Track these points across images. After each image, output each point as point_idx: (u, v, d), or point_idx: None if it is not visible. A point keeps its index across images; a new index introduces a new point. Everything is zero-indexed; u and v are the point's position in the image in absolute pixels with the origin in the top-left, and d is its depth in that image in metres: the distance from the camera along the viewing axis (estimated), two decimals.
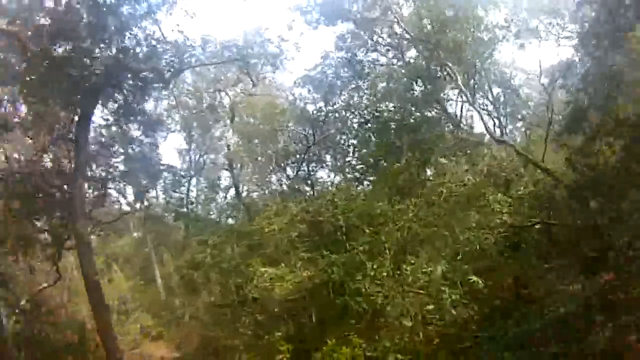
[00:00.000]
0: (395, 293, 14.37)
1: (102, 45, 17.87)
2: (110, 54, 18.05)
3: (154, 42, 19.09)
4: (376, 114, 25.44)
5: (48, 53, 15.94)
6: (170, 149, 48.18)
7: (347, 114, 27.91)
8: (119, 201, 29.18)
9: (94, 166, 21.12)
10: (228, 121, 33.73)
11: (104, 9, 17.02)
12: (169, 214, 40.67)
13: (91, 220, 21.16)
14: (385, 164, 23.06)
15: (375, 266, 15.20)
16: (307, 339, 17.47)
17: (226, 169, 37.34)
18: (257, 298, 18.20)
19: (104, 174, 22.28)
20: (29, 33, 16.12)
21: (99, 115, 20.61)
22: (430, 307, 14.50)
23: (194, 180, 39.82)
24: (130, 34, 18.38)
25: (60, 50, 17.00)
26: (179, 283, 31.69)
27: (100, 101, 19.16)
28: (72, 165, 18.77)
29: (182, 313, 29.88)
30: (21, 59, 16.40)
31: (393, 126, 24.25)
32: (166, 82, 20.38)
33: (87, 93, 17.80)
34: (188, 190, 39.02)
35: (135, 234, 40.99)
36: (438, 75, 23.62)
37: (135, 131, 22.31)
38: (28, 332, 19.75)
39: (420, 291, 14.72)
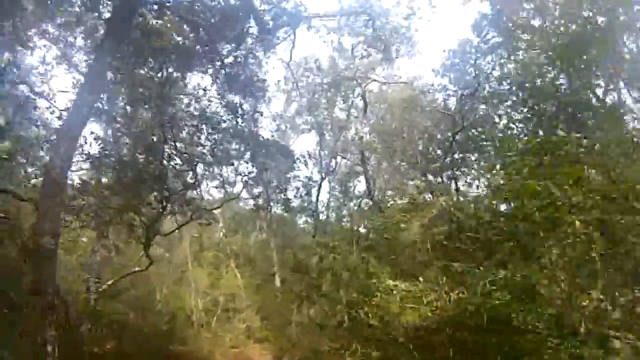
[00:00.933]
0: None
1: None
2: None
3: None
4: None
5: None
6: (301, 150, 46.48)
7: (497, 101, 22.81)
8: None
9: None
10: (360, 114, 30.92)
11: None
12: (298, 216, 39.30)
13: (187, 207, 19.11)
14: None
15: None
16: None
17: (358, 166, 34.34)
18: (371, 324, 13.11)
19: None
20: None
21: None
22: None
23: (325, 185, 37.39)
24: None
25: None
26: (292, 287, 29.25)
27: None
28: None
29: (292, 319, 26.93)
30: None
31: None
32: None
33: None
34: (319, 193, 36.92)
35: (260, 235, 39.69)
36: None
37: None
38: (114, 315, 18.14)
39: None
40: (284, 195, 27.02)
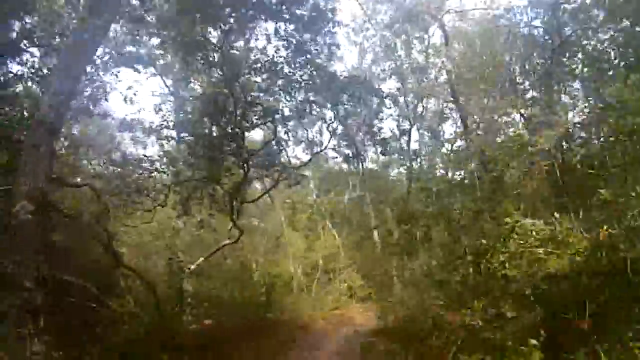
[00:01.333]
0: None
1: None
2: None
3: None
4: None
5: None
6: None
7: None
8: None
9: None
10: (441, 49, 28.19)
11: None
12: (390, 168, 37.76)
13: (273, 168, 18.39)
14: None
15: None
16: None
17: (447, 108, 31.83)
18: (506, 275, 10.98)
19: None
20: None
21: None
22: None
23: (413, 132, 35.19)
24: None
25: None
26: (395, 240, 28.13)
27: None
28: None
29: (396, 275, 25.87)
30: None
31: None
32: None
33: None
34: (409, 140, 34.89)
35: (353, 192, 38.71)
36: None
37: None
38: (210, 291, 18.21)
39: None
40: (379, 135, 24.38)
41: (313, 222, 31.51)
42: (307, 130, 26.41)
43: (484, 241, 12.65)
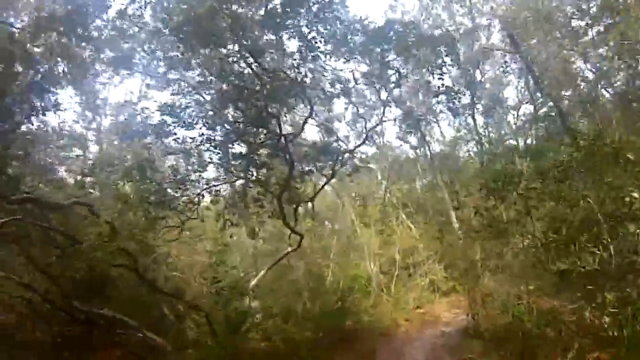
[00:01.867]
0: None
1: None
2: None
3: None
4: None
5: None
6: None
7: None
8: None
9: None
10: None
11: None
12: (457, 147, 35.01)
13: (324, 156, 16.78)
14: None
15: None
16: None
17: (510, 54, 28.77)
18: None
19: None
20: None
21: None
22: None
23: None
24: None
25: None
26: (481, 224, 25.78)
27: None
28: None
29: (484, 263, 23.50)
30: None
31: None
32: None
33: None
34: (473, 113, 32.04)
35: (424, 180, 36.40)
36: None
37: None
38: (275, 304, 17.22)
39: None
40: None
41: (385, 214, 29.65)
42: (364, 120, 24.60)
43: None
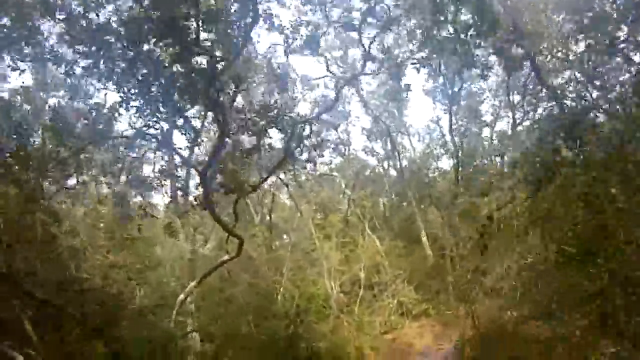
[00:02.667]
0: None
1: None
2: None
3: None
4: None
5: None
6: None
7: None
8: None
9: None
10: None
11: None
12: (427, 162, 32.38)
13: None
14: None
15: None
16: None
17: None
18: None
19: None
20: None
21: None
22: None
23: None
24: None
25: None
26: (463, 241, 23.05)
27: None
28: None
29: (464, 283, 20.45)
30: None
31: None
32: None
33: None
34: (451, 126, 29.58)
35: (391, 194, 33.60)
36: None
37: None
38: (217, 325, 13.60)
39: None
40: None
41: (349, 227, 26.45)
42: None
43: None
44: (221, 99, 10.12)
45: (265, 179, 14.36)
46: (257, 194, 26.82)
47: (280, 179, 28.38)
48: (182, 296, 11.94)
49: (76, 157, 10.29)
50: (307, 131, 12.74)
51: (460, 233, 25.09)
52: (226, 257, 12.91)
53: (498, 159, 29.55)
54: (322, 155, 14.49)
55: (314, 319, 17.44)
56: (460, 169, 29.43)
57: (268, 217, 25.50)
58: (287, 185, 28.50)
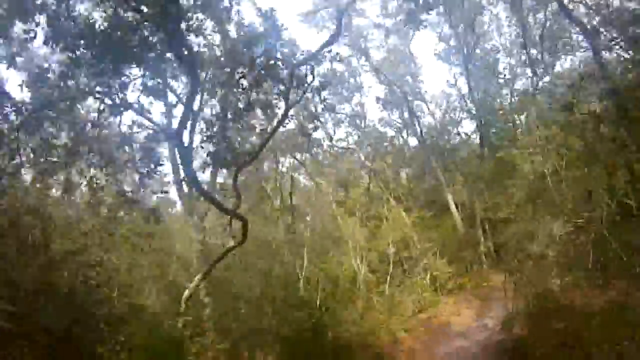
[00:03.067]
0: None
1: None
2: None
3: None
4: None
5: None
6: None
7: None
8: None
9: None
10: None
11: None
12: (447, 127, 30.41)
13: None
14: None
15: None
16: None
17: None
18: None
19: None
20: None
21: None
22: None
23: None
24: None
25: None
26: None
27: None
28: None
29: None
30: None
31: None
32: None
33: None
34: (469, 87, 27.64)
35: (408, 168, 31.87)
36: None
37: None
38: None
39: None
40: None
41: (372, 202, 24.92)
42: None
43: None
44: (184, 49, 8.42)
45: (265, 144, 12.19)
46: (275, 177, 25.75)
47: (296, 159, 27.20)
48: (187, 293, 10.66)
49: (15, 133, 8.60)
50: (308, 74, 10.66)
51: (488, 199, 23.57)
52: (232, 244, 11.49)
53: (523, 117, 27.65)
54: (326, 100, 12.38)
55: (342, 304, 16.08)
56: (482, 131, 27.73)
57: (289, 201, 24.09)
58: (303, 164, 27.15)
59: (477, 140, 28.99)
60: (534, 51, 25.99)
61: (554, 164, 14.40)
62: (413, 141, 31.63)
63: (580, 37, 21.17)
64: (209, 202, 11.02)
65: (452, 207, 25.71)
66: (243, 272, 13.62)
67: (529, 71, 27.14)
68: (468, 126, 29.95)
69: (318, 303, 14.36)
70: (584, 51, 21.85)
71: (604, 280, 11.15)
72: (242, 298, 13.03)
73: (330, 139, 28.77)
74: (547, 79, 26.33)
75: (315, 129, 17.64)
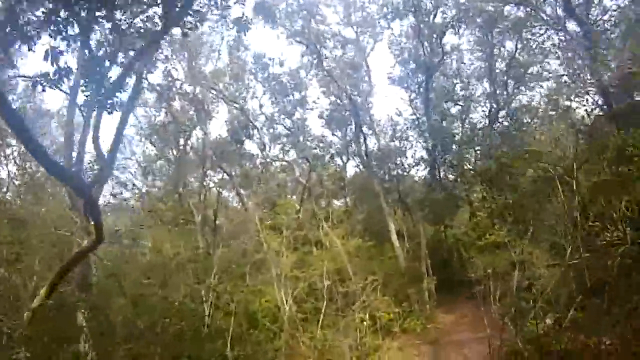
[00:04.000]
0: None
1: None
2: None
3: None
4: None
5: None
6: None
7: None
8: None
9: None
10: None
11: None
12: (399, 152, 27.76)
13: None
14: None
15: None
16: None
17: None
18: None
19: None
20: None
21: None
22: None
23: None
24: None
25: None
26: None
27: None
28: None
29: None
30: None
31: None
32: None
33: None
34: (427, 107, 25.12)
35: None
36: None
37: None
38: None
39: None
40: None
41: (303, 223, 21.31)
42: None
43: None
44: None
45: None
46: (199, 191, 22.26)
47: (225, 171, 23.70)
48: (34, 304, 6.55)
49: None
50: None
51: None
52: (84, 245, 7.55)
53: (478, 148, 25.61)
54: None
55: (259, 345, 12.16)
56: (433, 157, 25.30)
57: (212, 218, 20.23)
58: (231, 177, 23.78)
59: (427, 168, 26.53)
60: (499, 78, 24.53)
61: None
62: (355, 162, 29.07)
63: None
64: None
65: (394, 237, 22.70)
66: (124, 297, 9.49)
67: (488, 103, 25.69)
68: (419, 152, 27.20)
69: (229, 341, 10.37)
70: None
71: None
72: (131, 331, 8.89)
73: (264, 148, 25.88)
74: (502, 113, 24.79)
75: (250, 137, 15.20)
